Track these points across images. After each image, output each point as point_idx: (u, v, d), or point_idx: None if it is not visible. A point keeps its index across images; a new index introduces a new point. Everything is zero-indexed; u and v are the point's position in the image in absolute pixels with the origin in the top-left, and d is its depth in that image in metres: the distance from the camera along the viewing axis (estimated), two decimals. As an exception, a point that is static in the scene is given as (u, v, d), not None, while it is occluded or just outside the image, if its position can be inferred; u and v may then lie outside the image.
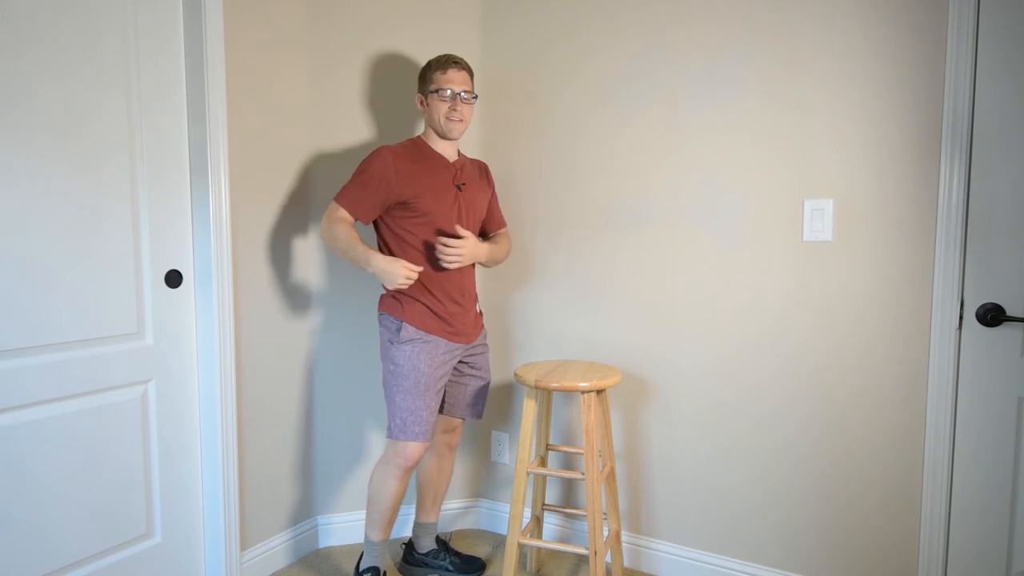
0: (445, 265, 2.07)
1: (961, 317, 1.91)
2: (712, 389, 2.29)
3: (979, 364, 1.90)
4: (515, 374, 2.19)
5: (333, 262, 2.52)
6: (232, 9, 2.15)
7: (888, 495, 2.04)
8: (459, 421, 2.35)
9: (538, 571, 2.44)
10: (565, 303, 2.54)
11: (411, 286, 2.11)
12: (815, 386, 2.12)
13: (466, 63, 2.15)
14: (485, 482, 2.80)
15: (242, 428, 2.28)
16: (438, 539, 2.45)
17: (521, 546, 2.42)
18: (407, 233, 2.12)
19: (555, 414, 2.61)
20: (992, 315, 1.85)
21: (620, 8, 2.36)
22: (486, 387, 2.33)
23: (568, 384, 2.04)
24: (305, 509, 2.57)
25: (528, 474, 2.14)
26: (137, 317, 2.01)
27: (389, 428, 2.11)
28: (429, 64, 2.15)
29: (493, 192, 2.35)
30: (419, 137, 2.20)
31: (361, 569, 2.22)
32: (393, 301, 2.14)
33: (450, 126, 2.12)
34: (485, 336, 2.33)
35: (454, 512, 2.78)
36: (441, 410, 2.30)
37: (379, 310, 2.18)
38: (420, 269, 2.02)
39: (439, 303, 2.13)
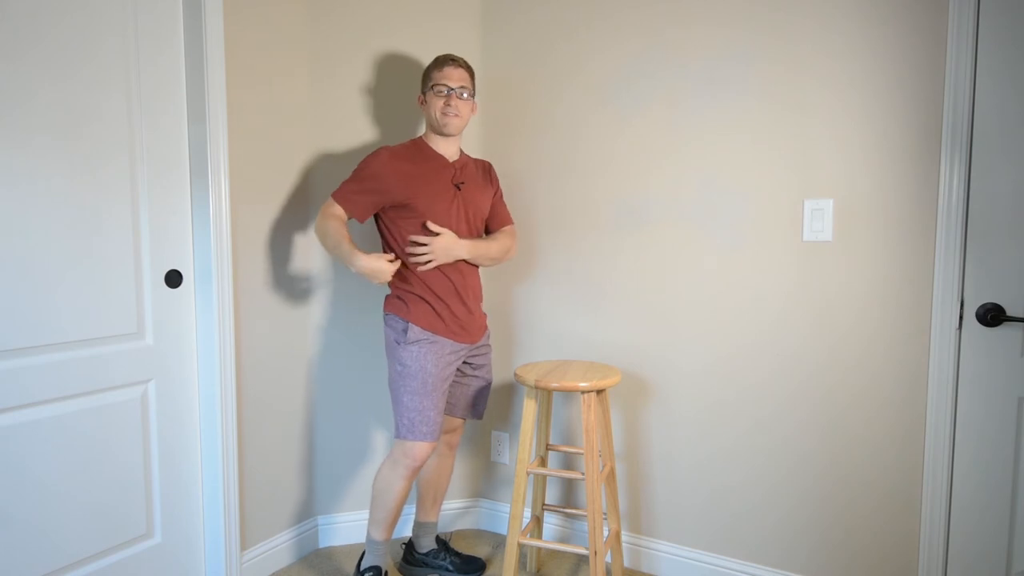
0: (417, 263, 2.08)
1: (961, 317, 1.91)
2: (712, 389, 2.29)
3: (979, 364, 1.90)
4: (515, 374, 2.19)
5: (333, 261, 2.52)
6: (232, 9, 2.15)
7: (888, 495, 2.04)
8: (460, 421, 2.36)
9: (538, 571, 2.44)
10: (565, 303, 2.54)
11: (415, 286, 2.11)
12: (815, 386, 2.12)
13: (465, 62, 2.17)
14: (485, 482, 2.80)
15: (242, 428, 2.28)
16: (438, 539, 2.46)
17: (521, 546, 2.42)
18: (407, 233, 2.12)
19: (555, 414, 2.61)
20: (992, 315, 1.85)
21: (620, 8, 2.36)
22: (488, 388, 2.33)
23: (568, 384, 2.04)
24: (305, 509, 2.56)
25: (528, 474, 2.14)
26: (137, 317, 2.01)
27: (397, 428, 2.11)
28: (429, 64, 2.18)
29: (497, 190, 2.35)
30: (420, 138, 2.21)
31: (363, 568, 2.22)
32: (398, 302, 2.14)
33: (445, 120, 2.13)
34: (488, 337, 2.33)
35: (454, 512, 2.78)
36: (442, 410, 2.31)
37: (384, 310, 2.18)
38: (392, 256, 2.03)
39: (443, 303, 2.13)
